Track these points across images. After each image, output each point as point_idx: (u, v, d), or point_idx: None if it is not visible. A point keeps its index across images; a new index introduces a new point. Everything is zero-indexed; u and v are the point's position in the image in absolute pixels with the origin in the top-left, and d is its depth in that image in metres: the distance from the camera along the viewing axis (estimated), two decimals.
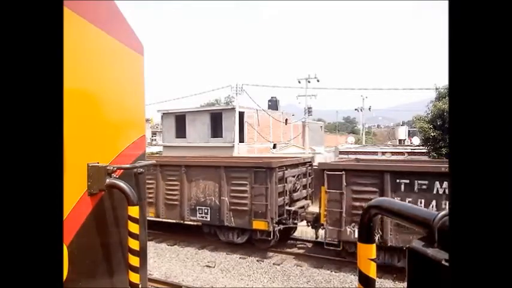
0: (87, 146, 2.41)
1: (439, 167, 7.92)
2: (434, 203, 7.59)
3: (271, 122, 32.13)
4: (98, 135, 2.55)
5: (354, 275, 8.16)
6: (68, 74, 1.66)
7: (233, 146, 26.85)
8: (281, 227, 9.93)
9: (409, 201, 7.68)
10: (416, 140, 32.20)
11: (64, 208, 1.80)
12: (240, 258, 9.74)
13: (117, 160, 2.71)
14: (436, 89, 20.58)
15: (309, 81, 32.36)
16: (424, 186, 7.74)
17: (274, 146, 31.60)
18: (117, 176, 2.59)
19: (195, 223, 11.30)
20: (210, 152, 22.86)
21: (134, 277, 2.51)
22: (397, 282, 8.06)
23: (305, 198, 11.45)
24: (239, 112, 27.67)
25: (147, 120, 42.11)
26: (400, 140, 39.26)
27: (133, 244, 2.50)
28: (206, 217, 10.43)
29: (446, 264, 0.96)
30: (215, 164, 10.62)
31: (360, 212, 7.51)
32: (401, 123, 69.55)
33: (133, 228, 2.48)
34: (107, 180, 2.44)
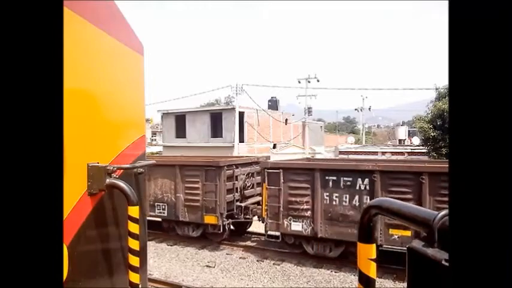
0: (87, 146, 2.41)
1: (362, 165, 8.74)
2: (357, 197, 8.41)
3: (271, 122, 32.12)
4: (98, 135, 2.55)
5: (354, 275, 8.16)
6: (68, 74, 1.66)
7: (233, 146, 26.84)
8: (230, 221, 10.67)
9: (336, 196, 8.70)
10: (416, 140, 32.17)
11: (64, 208, 1.80)
12: (240, 258, 9.75)
13: (117, 160, 2.71)
14: (436, 89, 20.59)
15: (309, 81, 32.35)
16: (349, 183, 8.52)
17: (274, 146, 31.60)
18: (117, 176, 2.59)
19: (155, 218, 11.83)
20: (210, 152, 22.87)
21: (134, 277, 2.51)
22: (397, 282, 8.06)
23: (259, 194, 11.82)
24: (239, 112, 27.67)
25: (147, 120, 42.11)
26: (400, 140, 39.22)
27: (133, 244, 2.50)
28: (164, 213, 11.11)
29: (446, 264, 0.96)
30: (171, 163, 11.16)
31: (295, 206, 8.11)
32: (401, 123, 69.50)
33: (133, 228, 2.48)
34: (107, 180, 2.44)
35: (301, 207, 9.03)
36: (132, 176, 2.97)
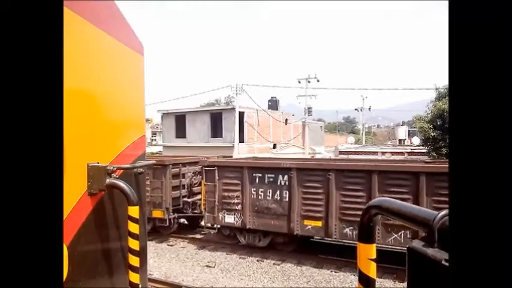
0: (87, 146, 2.41)
1: (282, 163, 9.71)
2: (278, 192, 9.37)
3: (271, 122, 32.12)
4: (98, 135, 2.55)
5: (354, 275, 8.17)
6: (68, 74, 1.66)
7: (233, 146, 26.85)
8: (176, 215, 11.42)
9: (261, 191, 9.63)
10: (416, 140, 32.19)
11: (64, 208, 1.80)
12: (240, 258, 9.75)
13: (117, 160, 2.71)
14: (436, 89, 20.58)
15: (309, 81, 32.35)
16: (272, 179, 9.48)
17: (274, 146, 31.60)
18: (117, 176, 2.59)
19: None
20: (210, 152, 22.86)
21: (134, 277, 2.51)
22: (397, 282, 8.07)
23: None
24: (239, 112, 27.66)
25: (147, 120, 42.11)
26: (400, 140, 39.23)
27: (133, 244, 2.50)
28: None
29: (446, 264, 0.96)
30: None
31: (228, 200, 9.03)
32: (401, 123, 69.54)
33: (133, 228, 2.48)
34: (107, 180, 2.44)
35: (233, 201, 9.99)
36: (132, 176, 2.97)
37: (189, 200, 11.83)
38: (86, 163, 2.36)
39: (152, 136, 53.68)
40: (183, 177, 11.67)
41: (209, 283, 8.15)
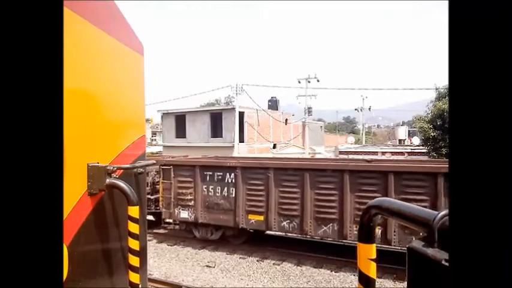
0: (87, 146, 2.41)
1: (229, 162, 10.31)
2: (226, 189, 10.03)
3: (271, 122, 32.12)
4: (98, 135, 2.55)
5: (354, 275, 8.17)
6: (68, 74, 1.66)
7: (233, 146, 26.85)
8: None
9: (211, 188, 10.22)
10: (416, 140, 32.22)
11: (64, 208, 1.80)
12: (240, 258, 9.75)
13: (117, 160, 2.71)
14: (436, 89, 20.61)
15: (309, 81, 32.38)
16: (220, 177, 10.14)
17: (274, 146, 31.60)
18: (117, 176, 2.59)
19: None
20: (210, 152, 22.87)
21: (134, 277, 2.51)
22: (397, 282, 8.07)
23: None
24: (239, 112, 27.67)
25: (147, 120, 42.12)
26: (400, 140, 39.25)
27: (133, 244, 2.50)
28: None
29: (446, 264, 0.96)
30: None
31: (182, 197, 9.57)
32: (401, 123, 69.60)
33: (133, 228, 2.48)
34: (107, 180, 2.44)
35: (187, 197, 10.60)
36: (132, 176, 2.97)
37: (152, 197, 12.30)
38: (86, 163, 2.36)
39: (152, 136, 53.70)
40: (146, 175, 11.98)
41: (209, 283, 8.15)
